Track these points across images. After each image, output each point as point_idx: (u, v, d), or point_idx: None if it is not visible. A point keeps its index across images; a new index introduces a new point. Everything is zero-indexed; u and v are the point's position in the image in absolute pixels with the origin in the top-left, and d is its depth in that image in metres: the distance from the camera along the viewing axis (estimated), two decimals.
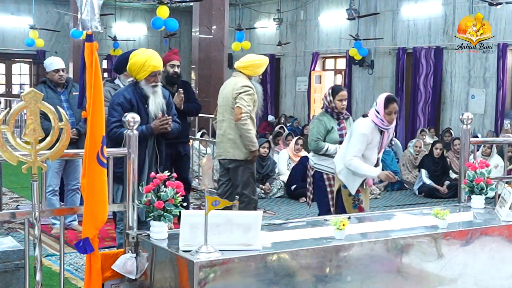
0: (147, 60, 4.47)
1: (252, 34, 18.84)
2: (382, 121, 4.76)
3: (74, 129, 5.60)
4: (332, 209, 5.27)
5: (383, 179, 5.16)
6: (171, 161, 5.69)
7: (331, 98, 5.43)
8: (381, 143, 4.94)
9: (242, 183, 5.59)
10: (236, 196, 5.24)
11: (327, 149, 5.36)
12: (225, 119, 5.62)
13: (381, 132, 4.85)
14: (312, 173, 5.50)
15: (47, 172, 5.95)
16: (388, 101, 4.74)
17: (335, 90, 5.47)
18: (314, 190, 5.54)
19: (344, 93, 5.47)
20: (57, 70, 5.91)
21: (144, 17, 21.49)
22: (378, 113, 4.78)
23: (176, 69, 5.98)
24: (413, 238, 3.69)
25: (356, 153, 4.77)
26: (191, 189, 7.28)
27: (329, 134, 5.40)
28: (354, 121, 5.25)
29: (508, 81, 12.78)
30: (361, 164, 4.79)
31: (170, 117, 4.62)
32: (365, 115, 5.12)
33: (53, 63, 5.96)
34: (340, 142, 5.30)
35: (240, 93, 5.45)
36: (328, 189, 5.33)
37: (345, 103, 5.46)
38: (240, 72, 5.60)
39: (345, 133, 5.31)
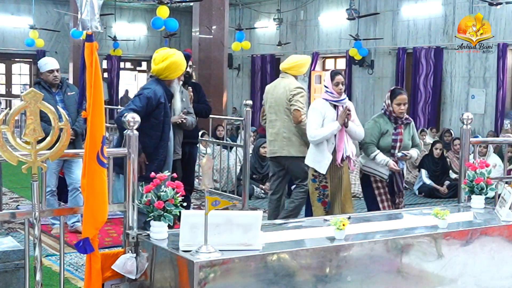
0: (183, 60, 4.88)
1: (252, 34, 18.84)
2: (332, 93, 5.09)
3: (71, 130, 5.56)
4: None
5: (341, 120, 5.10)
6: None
7: (389, 101, 5.18)
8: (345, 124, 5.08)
9: (302, 176, 5.82)
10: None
11: (375, 156, 5.13)
12: (278, 118, 5.89)
13: (335, 107, 5.13)
14: (360, 176, 5.38)
15: (46, 173, 5.97)
16: (334, 73, 5.11)
17: (394, 93, 5.20)
18: (363, 193, 5.42)
19: (403, 96, 5.18)
20: (52, 71, 5.87)
21: (144, 17, 21.49)
22: (327, 87, 5.13)
23: (188, 69, 6.06)
24: (413, 238, 3.69)
25: (314, 127, 5.08)
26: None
27: (383, 137, 5.21)
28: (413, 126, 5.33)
29: (508, 81, 12.78)
30: (322, 129, 5.07)
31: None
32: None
33: (47, 63, 5.92)
34: (393, 148, 5.16)
35: (294, 95, 5.75)
36: (376, 191, 5.21)
37: (404, 107, 5.17)
38: (287, 73, 5.92)
39: (400, 139, 5.17)
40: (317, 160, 5.17)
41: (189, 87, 6.05)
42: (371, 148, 5.15)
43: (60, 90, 5.96)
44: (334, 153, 5.15)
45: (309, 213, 5.48)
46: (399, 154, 5.14)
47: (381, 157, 5.11)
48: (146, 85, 4.95)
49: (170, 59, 4.79)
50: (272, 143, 5.99)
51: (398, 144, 5.16)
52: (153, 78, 4.92)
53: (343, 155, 5.17)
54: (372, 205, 5.22)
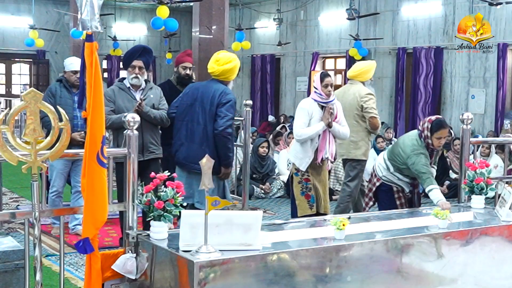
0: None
1: (252, 34, 18.84)
2: (321, 95, 5.17)
3: (83, 132, 5.53)
4: None
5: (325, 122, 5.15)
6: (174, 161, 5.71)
7: (429, 133, 4.84)
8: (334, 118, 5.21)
9: (350, 177, 6.21)
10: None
11: (431, 190, 4.71)
12: (347, 123, 5.94)
13: (322, 107, 5.20)
14: (377, 184, 5.21)
15: (52, 173, 5.95)
16: (323, 75, 5.19)
17: (435, 127, 4.82)
18: (379, 201, 5.32)
19: (445, 131, 4.86)
20: (75, 72, 5.80)
21: (144, 17, 21.49)
22: (316, 88, 5.20)
23: (188, 71, 6.12)
24: (413, 238, 3.69)
25: (300, 126, 5.17)
26: None
27: None
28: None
29: (508, 81, 12.78)
30: (307, 129, 5.16)
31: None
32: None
33: (72, 63, 5.90)
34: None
35: (366, 101, 6.11)
36: (398, 202, 5.13)
37: (443, 141, 4.89)
38: (354, 80, 6.30)
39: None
40: (299, 157, 5.27)
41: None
42: (431, 180, 4.77)
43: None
44: (316, 151, 5.25)
45: (294, 209, 5.41)
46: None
47: (435, 194, 4.68)
48: (220, 88, 5.02)
49: (234, 62, 5.07)
50: (340, 146, 6.27)
51: None
52: (214, 80, 5.12)
53: (323, 155, 5.26)
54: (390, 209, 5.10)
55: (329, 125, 5.13)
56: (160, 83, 6.47)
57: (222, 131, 4.89)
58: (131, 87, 5.45)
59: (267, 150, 8.97)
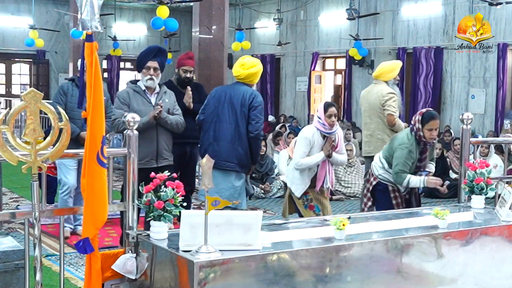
0: None
1: (252, 34, 18.84)
2: (324, 125, 5.11)
3: None
4: None
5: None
6: (177, 162, 5.72)
7: (420, 125, 4.91)
8: (337, 145, 5.22)
9: None
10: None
11: (408, 181, 4.92)
12: (372, 121, 6.41)
13: (324, 137, 5.16)
14: (374, 182, 5.26)
15: (61, 171, 5.82)
16: (327, 105, 5.13)
17: (426, 118, 4.90)
18: (376, 200, 5.34)
19: (436, 122, 4.92)
20: None
21: (144, 17, 21.50)
22: (319, 118, 5.14)
23: (189, 75, 6.08)
24: (413, 238, 3.69)
25: (301, 155, 5.14)
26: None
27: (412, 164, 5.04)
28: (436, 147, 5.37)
29: (508, 81, 12.79)
30: (307, 159, 5.15)
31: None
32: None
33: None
34: (417, 169, 5.03)
35: (387, 100, 6.21)
36: (394, 201, 5.16)
37: (435, 133, 4.93)
38: (378, 79, 6.42)
39: (424, 164, 5.11)
40: (295, 183, 5.27)
41: (188, 87, 6.03)
42: (404, 175, 4.93)
43: None
44: (314, 180, 5.24)
45: None
46: (423, 174, 5.01)
47: (414, 180, 4.92)
48: (249, 91, 5.32)
49: (259, 66, 5.35)
50: (367, 143, 6.49)
51: (422, 165, 5.12)
52: (239, 82, 5.37)
53: (322, 184, 5.26)
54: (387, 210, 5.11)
55: (328, 156, 5.14)
56: (161, 83, 6.44)
57: (257, 135, 5.32)
58: (146, 90, 5.34)
59: (264, 149, 8.97)
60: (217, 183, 4.98)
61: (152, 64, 5.28)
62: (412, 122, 4.98)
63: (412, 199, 5.25)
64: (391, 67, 6.46)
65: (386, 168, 5.15)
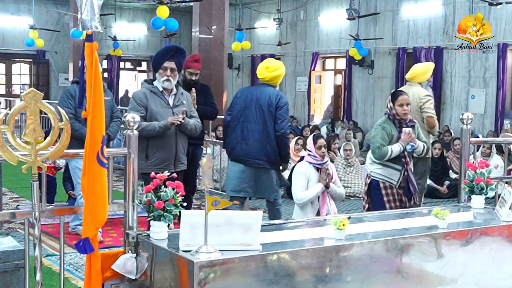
0: None
1: (252, 34, 18.84)
2: (315, 157, 5.22)
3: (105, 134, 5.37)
4: None
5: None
6: None
7: (391, 104, 5.27)
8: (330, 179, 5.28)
9: (420, 174, 6.12)
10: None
11: (391, 153, 5.16)
12: None
13: (318, 169, 5.25)
14: (368, 181, 5.39)
15: (77, 175, 5.65)
16: (316, 137, 5.27)
17: (394, 96, 5.31)
18: (371, 199, 5.40)
19: (404, 97, 5.25)
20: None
21: (144, 17, 21.50)
22: (310, 151, 5.25)
23: (194, 77, 6.04)
24: (413, 238, 3.69)
25: (300, 190, 5.22)
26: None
27: (390, 143, 5.24)
28: (418, 128, 5.47)
29: (508, 81, 12.79)
30: (306, 192, 5.20)
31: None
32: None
33: None
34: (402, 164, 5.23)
35: (425, 102, 6.21)
36: (385, 198, 5.24)
37: (407, 108, 5.22)
38: (412, 81, 6.43)
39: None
40: (299, 216, 5.26)
41: (193, 89, 5.96)
42: (384, 149, 5.14)
43: None
44: (318, 214, 5.25)
45: None
46: (408, 147, 5.19)
47: (395, 148, 5.15)
48: (275, 92, 5.70)
49: (282, 69, 5.76)
50: None
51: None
52: (263, 84, 5.74)
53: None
54: (380, 210, 5.13)
55: (326, 186, 5.18)
56: None
57: (283, 133, 5.59)
58: (164, 91, 5.17)
59: None
60: (252, 179, 5.58)
61: (169, 64, 5.10)
62: (386, 107, 5.35)
63: (406, 192, 5.26)
64: (425, 69, 6.48)
65: (373, 160, 5.30)
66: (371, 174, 5.33)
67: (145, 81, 5.41)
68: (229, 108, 5.79)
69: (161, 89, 5.15)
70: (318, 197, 5.22)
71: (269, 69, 5.68)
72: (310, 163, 5.27)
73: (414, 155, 5.68)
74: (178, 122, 5.04)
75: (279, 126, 5.55)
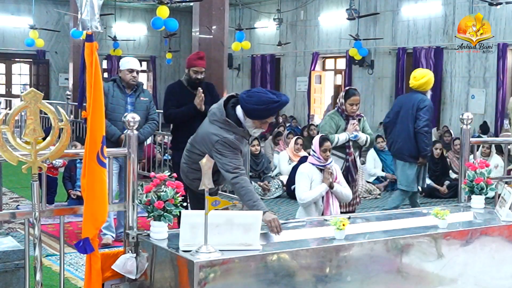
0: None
1: (252, 34, 18.84)
2: (319, 158, 5.21)
3: None
4: None
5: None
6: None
7: (343, 100, 5.81)
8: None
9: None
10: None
11: (337, 140, 5.72)
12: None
13: (321, 170, 5.23)
14: None
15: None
16: (322, 140, 5.27)
17: (348, 94, 5.83)
18: None
19: (356, 98, 5.79)
20: (131, 70, 5.67)
21: (144, 17, 21.49)
22: (314, 152, 5.26)
23: (199, 76, 5.80)
24: (413, 238, 3.69)
25: (303, 190, 5.20)
26: None
27: (338, 133, 5.80)
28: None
29: (508, 81, 12.78)
30: (310, 192, 5.17)
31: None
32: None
33: (129, 62, 5.73)
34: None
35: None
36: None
37: (355, 107, 5.80)
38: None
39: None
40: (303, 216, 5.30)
41: (199, 88, 5.75)
42: (332, 136, 5.66)
43: (134, 93, 5.75)
44: (322, 215, 5.23)
45: None
46: (352, 136, 5.76)
47: (342, 136, 5.75)
48: (419, 97, 6.49)
49: (428, 76, 6.52)
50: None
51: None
52: (413, 90, 6.61)
53: None
54: None
55: (330, 186, 5.16)
56: (170, 83, 6.28)
57: (420, 129, 6.45)
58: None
59: (259, 148, 8.99)
60: (401, 170, 6.67)
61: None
62: (338, 100, 5.89)
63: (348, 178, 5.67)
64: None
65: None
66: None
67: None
68: (388, 112, 7.04)
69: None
70: (322, 198, 5.18)
71: (416, 78, 6.55)
72: (313, 164, 5.25)
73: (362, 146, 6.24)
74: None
75: (417, 124, 6.46)
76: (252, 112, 3.99)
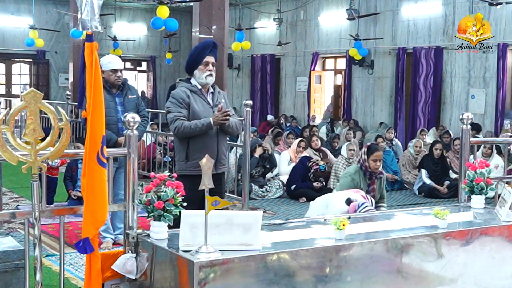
0: None
1: (252, 34, 18.83)
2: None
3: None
4: None
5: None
6: None
7: (366, 157, 5.48)
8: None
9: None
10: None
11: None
12: None
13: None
14: None
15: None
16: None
17: (370, 149, 5.50)
18: None
19: (379, 153, 5.49)
20: (115, 70, 5.49)
21: (144, 17, 21.49)
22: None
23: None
24: (413, 238, 3.69)
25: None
26: None
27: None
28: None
29: (508, 81, 12.78)
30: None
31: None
32: None
33: (111, 62, 5.51)
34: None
35: None
36: None
37: (379, 163, 5.47)
38: None
39: (373, 195, 5.43)
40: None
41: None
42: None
43: (121, 92, 5.60)
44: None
45: None
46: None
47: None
48: None
49: None
50: None
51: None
52: None
53: None
54: None
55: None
56: (172, 84, 6.28)
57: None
58: (202, 89, 4.78)
59: (269, 149, 9.10)
60: None
61: (210, 59, 4.78)
62: (359, 155, 5.53)
63: None
64: None
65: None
66: None
67: (181, 79, 5.20)
68: None
69: (199, 87, 4.77)
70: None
71: None
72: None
73: None
74: (227, 118, 4.63)
75: None
76: (189, 64, 4.79)
